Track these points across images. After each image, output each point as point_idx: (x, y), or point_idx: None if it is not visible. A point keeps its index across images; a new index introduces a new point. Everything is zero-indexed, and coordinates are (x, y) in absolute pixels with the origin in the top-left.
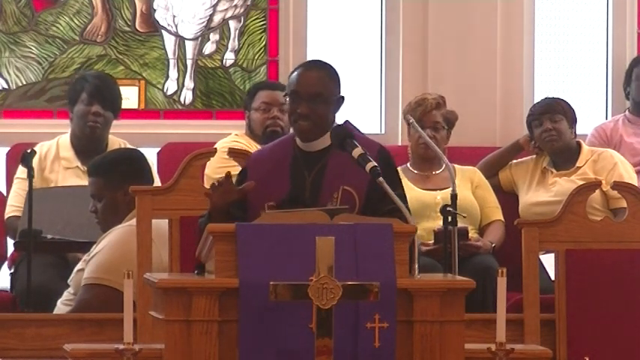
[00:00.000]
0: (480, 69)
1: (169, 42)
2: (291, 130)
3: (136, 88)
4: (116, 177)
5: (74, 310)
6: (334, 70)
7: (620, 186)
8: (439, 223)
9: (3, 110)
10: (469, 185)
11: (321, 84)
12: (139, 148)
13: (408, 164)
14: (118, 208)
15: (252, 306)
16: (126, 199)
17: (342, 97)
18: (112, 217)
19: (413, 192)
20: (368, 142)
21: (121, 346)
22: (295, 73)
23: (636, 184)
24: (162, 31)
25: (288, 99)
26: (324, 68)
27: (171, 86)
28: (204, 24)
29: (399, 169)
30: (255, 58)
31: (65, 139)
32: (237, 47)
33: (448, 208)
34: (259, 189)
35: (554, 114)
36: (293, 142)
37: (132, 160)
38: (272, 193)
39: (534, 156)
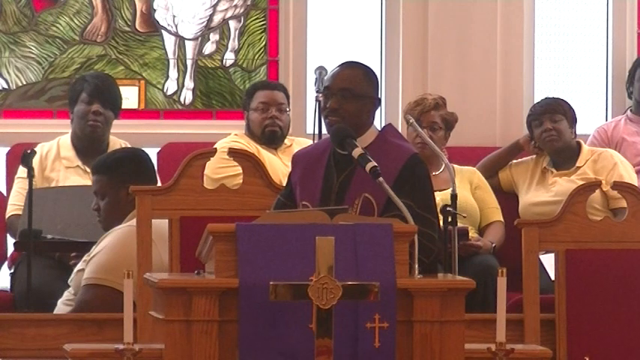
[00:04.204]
0: (480, 69)
1: (169, 42)
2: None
3: (136, 88)
4: (120, 175)
5: (74, 310)
6: (371, 71)
7: (620, 186)
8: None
9: (3, 110)
10: (468, 186)
11: (351, 80)
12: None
13: None
14: (120, 206)
15: (252, 306)
16: (129, 198)
17: (379, 100)
18: (115, 215)
19: None
20: (402, 148)
21: (121, 346)
22: (331, 71)
23: (636, 184)
24: (162, 31)
25: (322, 97)
26: (359, 68)
27: (171, 86)
28: (204, 24)
29: None
30: (255, 58)
31: (66, 139)
32: (237, 47)
33: (448, 208)
34: (299, 187)
35: (554, 114)
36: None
37: (137, 160)
38: (308, 191)
39: (534, 156)
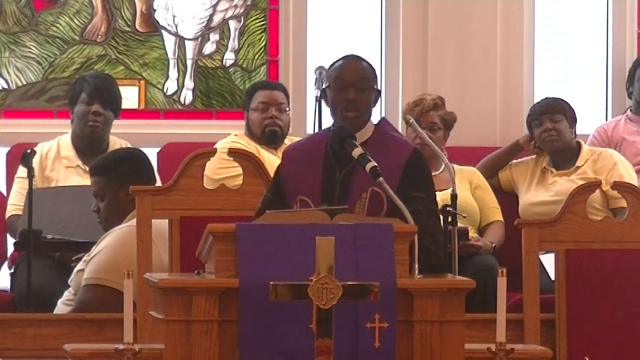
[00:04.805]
0: (480, 69)
1: (169, 42)
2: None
3: (136, 88)
4: (119, 176)
5: (74, 310)
6: (371, 64)
7: (620, 186)
8: None
9: (3, 110)
10: (468, 186)
11: (365, 71)
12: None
13: None
14: (120, 207)
15: (252, 306)
16: (128, 199)
17: (379, 91)
18: (115, 216)
19: None
20: (403, 142)
21: (121, 346)
22: (336, 65)
23: (636, 184)
24: (162, 31)
25: (329, 91)
26: (364, 60)
27: (171, 86)
28: (204, 24)
29: None
30: (255, 58)
31: (66, 139)
32: (237, 47)
33: (448, 208)
34: (294, 181)
35: (554, 114)
36: (328, 137)
37: (134, 160)
38: (305, 188)
39: (534, 156)
